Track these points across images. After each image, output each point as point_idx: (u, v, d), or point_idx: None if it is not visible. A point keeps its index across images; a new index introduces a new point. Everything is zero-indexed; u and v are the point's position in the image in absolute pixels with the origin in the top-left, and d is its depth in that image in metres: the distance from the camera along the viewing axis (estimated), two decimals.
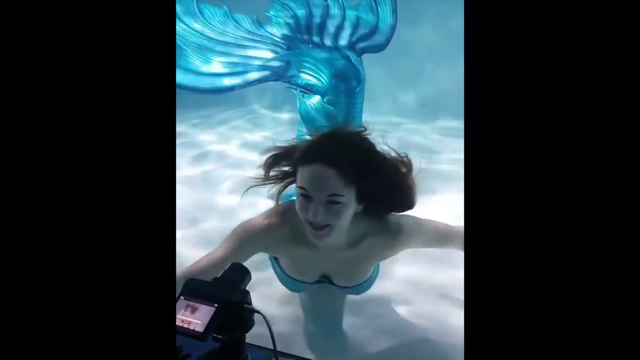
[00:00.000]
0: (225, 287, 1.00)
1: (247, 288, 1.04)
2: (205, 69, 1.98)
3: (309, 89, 2.07)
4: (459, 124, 3.88)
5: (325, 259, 1.53)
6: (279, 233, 1.48)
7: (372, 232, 1.46)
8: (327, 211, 1.29)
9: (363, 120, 2.10)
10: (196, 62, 1.97)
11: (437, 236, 1.63)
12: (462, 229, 1.44)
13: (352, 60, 2.06)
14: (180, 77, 1.90)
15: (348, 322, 1.84)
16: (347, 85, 2.07)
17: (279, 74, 2.06)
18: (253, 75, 2.02)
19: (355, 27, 2.19)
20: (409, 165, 1.42)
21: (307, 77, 2.07)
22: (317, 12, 2.23)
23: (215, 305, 0.94)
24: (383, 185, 1.36)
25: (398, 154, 1.42)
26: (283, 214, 1.48)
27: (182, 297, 0.97)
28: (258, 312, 0.98)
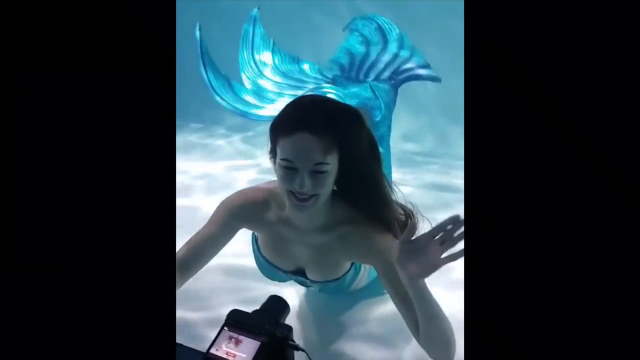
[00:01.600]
0: (269, 320, 1.00)
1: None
2: (252, 100, 2.13)
3: None
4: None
5: (300, 241, 1.51)
6: (258, 207, 1.50)
7: (348, 223, 1.43)
8: (313, 180, 1.26)
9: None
10: (249, 97, 2.13)
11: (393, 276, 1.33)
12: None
13: (377, 91, 2.08)
14: (234, 102, 2.08)
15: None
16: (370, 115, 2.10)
17: None
18: None
19: (405, 62, 2.22)
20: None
21: None
22: (374, 53, 2.29)
23: (261, 339, 0.94)
24: (361, 153, 1.33)
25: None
26: (264, 190, 1.51)
27: (225, 328, 0.97)
28: (302, 349, 0.97)
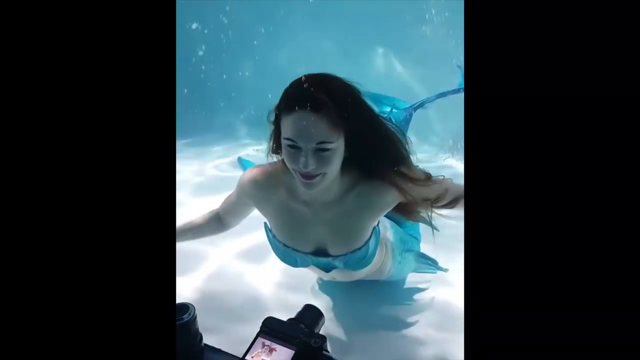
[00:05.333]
0: (304, 330, 1.00)
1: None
2: None
3: None
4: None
5: (316, 220, 1.49)
6: (269, 185, 1.51)
7: (362, 180, 1.41)
8: (317, 159, 1.24)
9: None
10: None
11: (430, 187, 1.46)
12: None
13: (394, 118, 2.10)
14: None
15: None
16: None
17: None
18: None
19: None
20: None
21: None
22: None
23: (295, 348, 0.94)
24: (370, 128, 1.32)
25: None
26: (277, 168, 1.51)
27: (259, 336, 0.97)
28: None
